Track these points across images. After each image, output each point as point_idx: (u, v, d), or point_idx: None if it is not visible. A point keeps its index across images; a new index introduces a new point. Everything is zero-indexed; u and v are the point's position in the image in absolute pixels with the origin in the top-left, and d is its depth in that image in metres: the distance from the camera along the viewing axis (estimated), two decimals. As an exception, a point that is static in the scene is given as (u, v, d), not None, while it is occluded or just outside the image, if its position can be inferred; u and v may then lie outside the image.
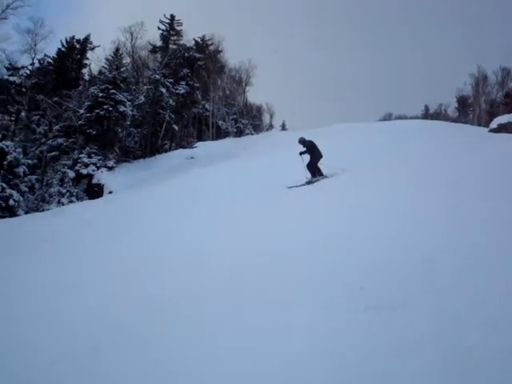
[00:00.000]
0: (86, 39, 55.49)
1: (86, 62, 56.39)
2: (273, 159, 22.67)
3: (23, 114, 51.17)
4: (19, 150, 39.08)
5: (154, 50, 60.88)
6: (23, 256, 11.94)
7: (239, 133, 60.22)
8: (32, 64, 52.44)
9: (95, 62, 57.75)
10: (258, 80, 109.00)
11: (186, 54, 56.23)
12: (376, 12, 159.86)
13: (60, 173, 39.52)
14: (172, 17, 60.84)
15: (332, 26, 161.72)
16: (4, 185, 33.56)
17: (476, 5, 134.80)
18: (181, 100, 51.87)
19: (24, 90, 50.23)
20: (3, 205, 32.68)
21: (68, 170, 39.30)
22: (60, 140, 44.20)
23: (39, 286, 8.36)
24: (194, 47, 60.07)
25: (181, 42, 60.06)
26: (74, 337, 5.43)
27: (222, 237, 9.60)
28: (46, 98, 46.97)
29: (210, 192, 18.30)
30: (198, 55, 57.28)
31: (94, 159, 40.08)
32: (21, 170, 36.14)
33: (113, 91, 42.35)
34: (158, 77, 47.74)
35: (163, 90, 47.43)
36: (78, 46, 55.44)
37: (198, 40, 62.05)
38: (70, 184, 38.28)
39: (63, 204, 35.05)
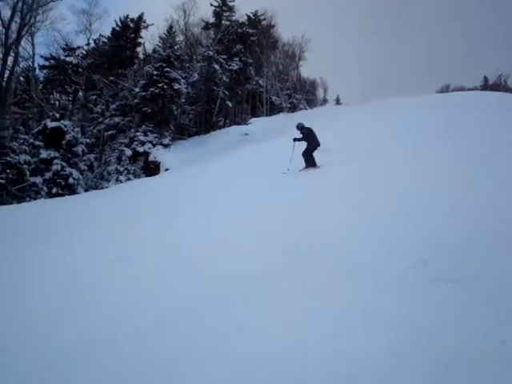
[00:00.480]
0: (140, 18, 55.78)
1: (140, 40, 56.72)
2: (326, 135, 22.25)
3: (80, 93, 52.19)
4: (77, 129, 39.86)
5: (207, 26, 60.79)
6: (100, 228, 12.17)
7: (293, 108, 59.66)
8: (87, 44, 53.37)
9: (149, 40, 58.21)
10: (312, 54, 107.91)
11: (239, 30, 55.91)
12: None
13: (117, 151, 40.22)
14: (224, -8, 60.55)
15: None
16: (64, 163, 34.34)
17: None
18: (234, 76, 51.75)
19: (80, 70, 51.15)
20: (63, 183, 33.48)
21: (125, 149, 39.92)
22: (117, 119, 44.89)
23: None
24: (247, 23, 59.60)
25: (233, 18, 59.77)
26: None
27: (277, 212, 9.48)
28: (102, 77, 47.66)
29: (262, 167, 18.21)
30: (250, 31, 56.81)
31: (150, 137, 40.55)
32: (79, 148, 36.89)
33: (167, 69, 42.56)
34: (211, 53, 47.71)
35: (217, 67, 47.40)
36: (132, 25, 55.74)
37: (251, 15, 61.54)
38: (128, 162, 38.90)
39: (121, 182, 35.67)
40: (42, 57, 52.69)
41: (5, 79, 35.63)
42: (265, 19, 62.68)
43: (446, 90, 75.10)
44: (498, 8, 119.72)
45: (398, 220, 6.89)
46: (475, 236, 5.45)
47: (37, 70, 51.26)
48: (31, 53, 46.00)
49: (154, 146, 39.87)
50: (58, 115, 37.51)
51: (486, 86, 74.87)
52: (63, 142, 35.42)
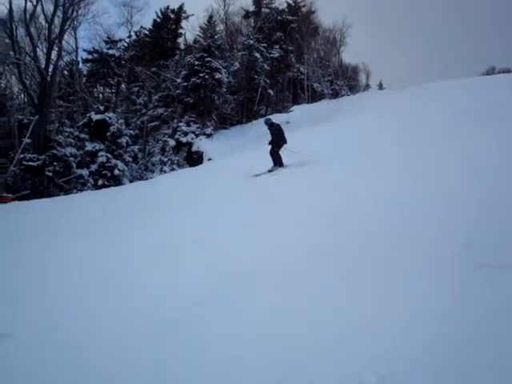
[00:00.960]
0: (180, 9, 55.91)
1: (180, 31, 56.81)
2: (369, 121, 21.80)
3: (123, 86, 52.86)
4: (121, 121, 40.42)
5: (247, 15, 60.55)
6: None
7: (335, 94, 59.05)
8: (129, 36, 53.85)
9: (190, 31, 58.49)
10: (353, 39, 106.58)
11: (279, 18, 55.50)
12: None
13: (161, 142, 40.60)
14: (264, -20, 60.18)
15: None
16: (109, 155, 34.86)
17: None
18: (275, 64, 51.51)
19: (123, 62, 51.78)
20: (109, 174, 33.99)
21: (168, 139, 40.24)
22: (159, 110, 45.26)
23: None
24: (287, 10, 59.05)
25: (273, 6, 59.28)
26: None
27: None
28: (144, 69, 48.06)
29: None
30: (290, 18, 56.31)
31: (193, 127, 40.76)
32: (124, 140, 37.39)
33: (208, 59, 42.63)
34: (251, 42, 47.57)
35: (257, 55, 47.27)
36: (172, 16, 55.93)
37: (291, 2, 60.91)
38: (171, 152, 39.21)
39: (165, 172, 35.96)
40: (84, 50, 53.67)
41: (49, 73, 36.13)
42: (304, 5, 62.08)
43: (491, 72, 73.19)
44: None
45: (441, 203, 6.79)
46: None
47: (80, 64, 52.19)
48: (74, 47, 46.86)
49: (197, 136, 40.05)
50: (102, 108, 38.07)
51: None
52: (108, 134, 35.96)
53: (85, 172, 34.44)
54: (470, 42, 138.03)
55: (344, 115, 32.63)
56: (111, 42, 52.97)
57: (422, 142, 13.02)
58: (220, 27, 58.48)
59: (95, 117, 36.07)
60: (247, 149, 30.57)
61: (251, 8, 60.16)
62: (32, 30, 38.34)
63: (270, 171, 15.46)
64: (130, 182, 34.55)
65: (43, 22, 39.24)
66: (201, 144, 39.45)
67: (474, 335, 3.45)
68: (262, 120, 45.74)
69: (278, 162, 15.55)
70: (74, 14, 39.72)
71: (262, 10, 58.77)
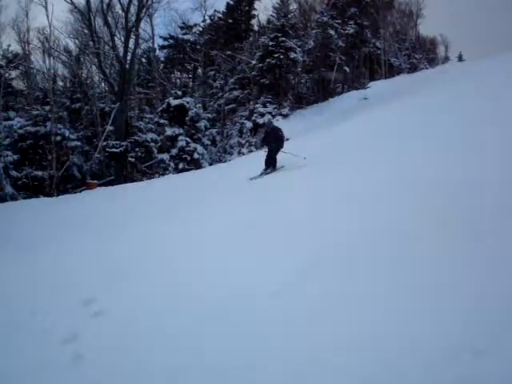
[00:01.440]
0: (253, -11, 55.86)
1: (254, 12, 56.66)
2: (454, 95, 20.74)
3: (200, 70, 53.51)
4: (199, 105, 40.94)
5: (321, -9, 59.84)
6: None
7: (413, 69, 57.55)
8: (203, 21, 54.27)
9: (263, 11, 58.53)
10: (430, 11, 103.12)
11: (353, -8, 54.57)
12: None
13: (238, 124, 40.87)
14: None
15: None
16: (188, 139, 35.43)
17: None
18: (350, 41, 50.67)
19: (198, 47, 52.29)
20: (189, 158, 34.56)
21: (245, 121, 40.45)
22: (236, 92, 45.54)
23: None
24: (361, -16, 58.03)
25: (347, -20, 58.34)
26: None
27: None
28: (219, 52, 48.41)
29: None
30: (365, -8, 55.31)
31: (269, 108, 40.77)
32: (202, 124, 37.90)
33: (282, 39, 42.40)
34: (325, 19, 46.92)
35: (332, 32, 46.57)
36: (245, -3, 56.00)
37: (365, -25, 59.83)
38: (249, 134, 39.41)
39: (243, 154, 36.21)
40: (161, 37, 54.55)
41: (128, 61, 36.97)
42: (379, -22, 60.68)
43: None
44: None
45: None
46: None
47: (157, 51, 53.08)
48: (151, 34, 47.55)
49: (274, 116, 39.99)
50: (179, 93, 38.60)
51: None
52: (186, 118, 36.51)
53: (165, 156, 35.19)
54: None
55: (423, 89, 31.63)
56: (186, 27, 53.55)
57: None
58: (293, 6, 58.07)
59: (174, 102, 36.66)
60: (325, 128, 30.23)
61: (325, -16, 59.35)
62: (109, 19, 39.22)
63: (266, 173, 15.38)
64: (210, 164, 35.01)
65: (120, 11, 40.06)
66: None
67: None
68: (338, 98, 45.55)
69: (272, 165, 15.50)
70: (149, 1, 40.34)
71: (336, -15, 57.83)
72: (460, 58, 75.75)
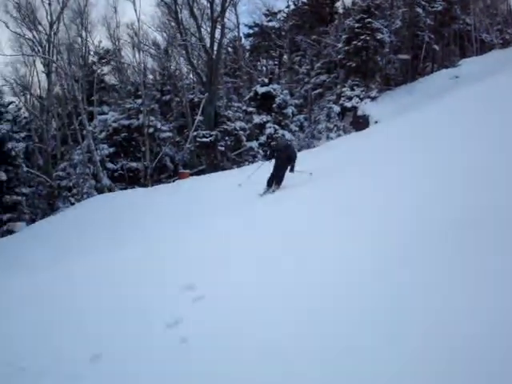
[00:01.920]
0: (336, -29, 55.11)
1: (338, -5, 56.14)
2: None
3: (285, 56, 53.45)
4: (286, 91, 41.04)
5: (406, -31, 58.23)
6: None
7: (506, 44, 55.08)
8: (287, 6, 53.92)
9: (347, -7, 57.32)
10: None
11: (441, -33, 52.77)
12: None
13: (326, 109, 40.58)
14: None
15: None
16: (276, 126, 35.70)
17: None
18: (439, 18, 49.01)
19: (283, 33, 52.24)
20: (277, 145, 34.80)
21: (333, 106, 40.08)
22: (322, 77, 45.19)
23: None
24: (449, -43, 55.96)
25: (434, -45, 56.43)
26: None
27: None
28: (304, 37, 48.22)
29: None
30: (453, -34, 53.35)
31: (357, 91, 40.19)
32: (289, 110, 38.06)
33: (368, 20, 41.58)
34: (412, -3, 45.75)
35: (419, 10, 45.19)
36: (328, -21, 55.32)
37: None
38: (336, 118, 39.11)
39: (331, 139, 36.01)
40: (246, 25, 54.88)
41: (215, 51, 37.60)
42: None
43: None
44: None
45: None
46: None
47: (242, 39, 53.50)
48: (236, 23, 47.97)
49: (362, 99, 39.45)
50: (266, 80, 38.92)
51: None
52: (274, 105, 36.77)
53: (254, 144, 35.63)
54: None
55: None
56: (270, 14, 53.62)
57: None
58: (378, -15, 56.83)
59: (260, 89, 36.97)
60: (415, 109, 29.54)
61: (411, -39, 57.68)
62: (195, 10, 39.98)
63: (271, 191, 14.73)
64: (298, 151, 35.08)
65: (205, 2, 40.73)
66: (366, 108, 38.84)
67: None
68: (427, 77, 44.32)
69: (276, 183, 14.79)
70: (234, -10, 40.79)
71: (423, -39, 56.10)
72: (558, 30, 71.80)
